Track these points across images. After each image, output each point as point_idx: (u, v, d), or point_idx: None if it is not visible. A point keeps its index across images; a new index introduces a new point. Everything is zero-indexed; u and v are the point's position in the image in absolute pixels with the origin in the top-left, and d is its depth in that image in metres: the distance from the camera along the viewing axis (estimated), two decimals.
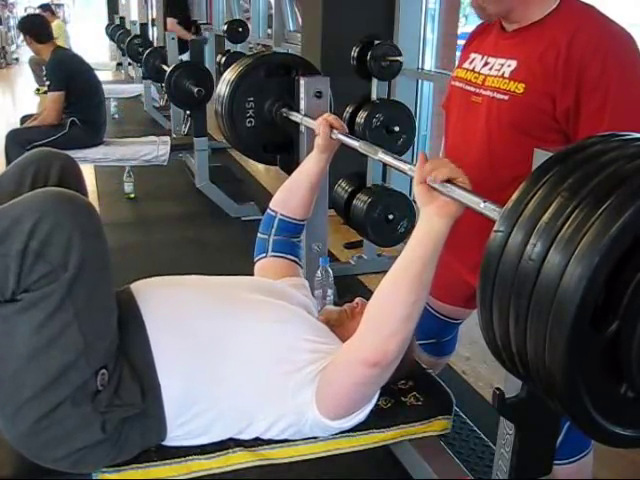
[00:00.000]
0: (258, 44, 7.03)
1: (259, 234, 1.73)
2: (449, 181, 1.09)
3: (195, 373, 1.28)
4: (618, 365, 0.80)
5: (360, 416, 1.34)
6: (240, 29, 5.85)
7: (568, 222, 0.75)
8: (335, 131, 1.65)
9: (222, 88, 2.32)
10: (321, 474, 1.80)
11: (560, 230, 0.75)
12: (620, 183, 0.74)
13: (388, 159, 1.46)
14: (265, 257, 1.69)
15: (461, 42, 1.69)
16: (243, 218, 4.13)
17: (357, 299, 1.54)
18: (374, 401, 1.36)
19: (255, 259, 1.72)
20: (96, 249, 1.17)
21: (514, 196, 0.84)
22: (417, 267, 1.15)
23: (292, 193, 1.71)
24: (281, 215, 1.69)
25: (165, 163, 4.33)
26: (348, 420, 1.33)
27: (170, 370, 1.26)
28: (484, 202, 1.04)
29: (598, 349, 0.79)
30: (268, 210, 1.73)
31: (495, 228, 0.84)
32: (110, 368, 1.21)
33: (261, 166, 5.32)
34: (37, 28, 4.17)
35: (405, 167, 1.35)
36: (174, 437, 1.31)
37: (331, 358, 1.29)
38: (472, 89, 1.46)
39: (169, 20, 5.95)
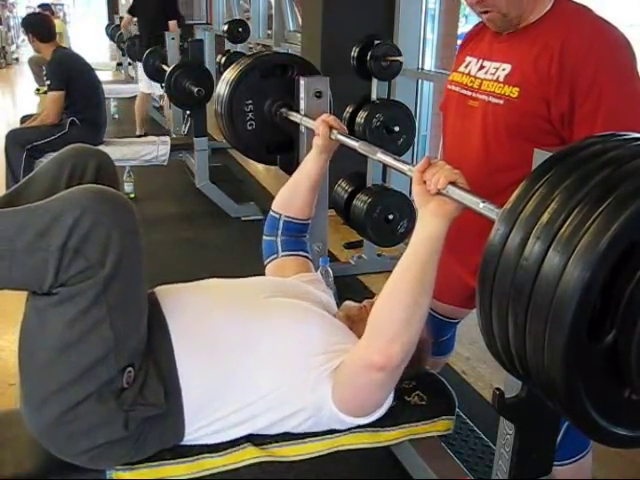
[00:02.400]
0: (258, 44, 7.03)
1: (265, 236, 1.73)
2: (449, 184, 1.11)
3: (216, 380, 1.29)
4: (618, 367, 0.80)
5: (377, 414, 1.36)
6: (240, 29, 5.85)
7: (567, 222, 0.75)
8: (334, 131, 1.65)
9: (222, 88, 2.32)
10: (322, 474, 1.80)
11: (559, 230, 0.76)
12: (619, 183, 0.74)
13: (387, 159, 1.46)
14: (277, 258, 1.69)
15: (460, 43, 1.68)
16: (243, 218, 4.13)
17: (377, 296, 1.54)
18: (390, 400, 1.37)
19: (265, 261, 1.72)
20: (133, 248, 1.18)
21: (513, 196, 0.84)
22: (416, 269, 1.16)
23: (294, 194, 1.71)
24: (285, 217, 1.70)
25: (165, 163, 4.33)
26: (365, 418, 1.35)
27: (191, 376, 1.27)
28: (483, 202, 1.04)
29: (598, 350, 0.79)
30: (271, 212, 1.73)
31: (494, 228, 0.84)
32: (137, 367, 1.22)
33: (261, 166, 5.32)
34: (40, 26, 4.17)
35: (404, 167, 1.35)
36: (192, 438, 1.32)
37: (345, 357, 1.30)
38: (468, 93, 1.46)
39: (172, 23, 5.97)
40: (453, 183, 1.11)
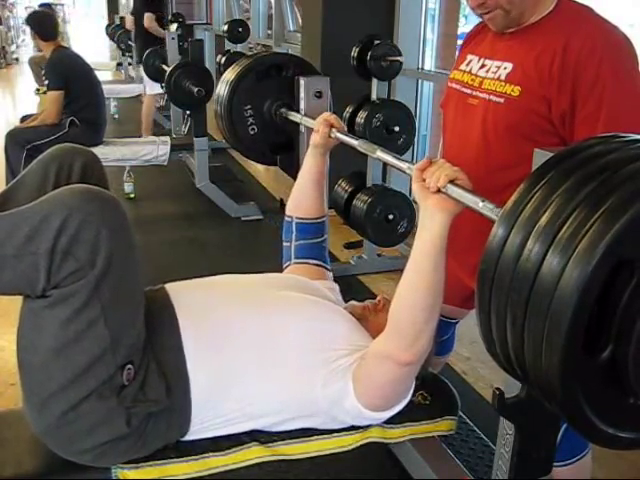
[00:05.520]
0: (258, 44, 7.02)
1: (283, 242, 1.74)
2: (449, 182, 1.11)
3: (225, 373, 1.30)
4: (616, 371, 0.79)
5: (398, 407, 1.37)
6: (240, 29, 5.85)
7: (567, 224, 0.75)
8: (334, 130, 1.65)
9: (222, 89, 2.32)
10: (322, 474, 1.80)
11: (558, 232, 0.75)
12: (617, 187, 0.74)
13: (387, 157, 1.46)
14: (290, 264, 1.70)
15: (461, 42, 1.68)
16: (243, 218, 4.13)
17: (380, 296, 1.56)
18: (410, 394, 1.38)
19: (283, 267, 1.73)
20: (123, 246, 1.18)
21: (513, 197, 0.83)
22: (429, 269, 1.17)
23: (300, 195, 1.71)
24: (297, 219, 1.70)
25: (165, 163, 4.33)
26: (387, 411, 1.36)
27: (201, 369, 1.28)
28: (482, 202, 1.04)
29: (596, 360, 0.79)
30: (285, 217, 1.74)
31: (494, 229, 0.84)
32: (136, 364, 1.23)
33: (261, 166, 5.31)
34: (42, 24, 4.17)
35: (403, 166, 1.35)
36: (196, 430, 1.33)
37: (362, 353, 1.31)
38: (469, 91, 1.46)
39: (147, 15, 5.85)
40: (453, 181, 1.12)
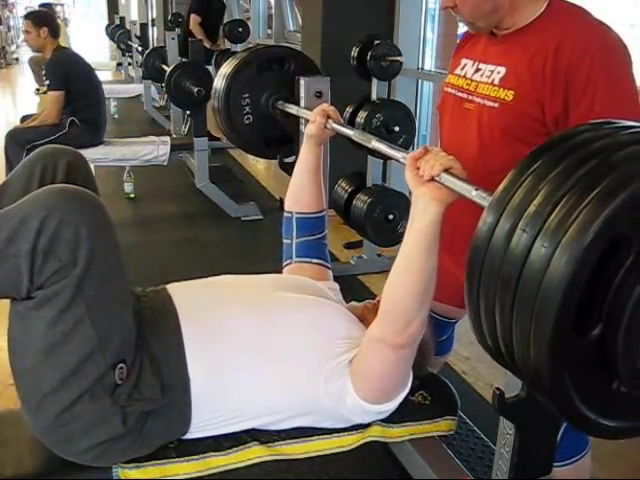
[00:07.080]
0: (258, 44, 7.02)
1: (282, 239, 1.72)
2: (444, 171, 1.11)
3: (225, 372, 1.30)
4: (605, 359, 0.79)
5: (397, 399, 1.37)
6: (240, 29, 5.85)
7: (557, 209, 0.74)
8: (330, 120, 1.65)
9: (219, 82, 2.31)
10: (322, 474, 1.80)
11: (548, 217, 0.74)
12: (605, 174, 0.73)
13: (381, 147, 1.46)
14: (291, 263, 1.69)
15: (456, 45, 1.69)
16: (243, 218, 4.13)
17: (379, 296, 1.55)
18: (409, 385, 1.38)
19: (283, 264, 1.72)
20: (105, 244, 1.18)
21: (503, 183, 0.82)
22: (421, 258, 1.17)
23: (298, 188, 1.70)
24: (297, 214, 1.68)
25: (165, 163, 4.33)
26: (389, 403, 1.36)
27: (201, 368, 1.28)
28: (476, 190, 1.02)
29: (584, 343, 0.78)
30: (284, 213, 1.73)
31: (483, 216, 0.83)
32: (129, 362, 1.22)
33: (261, 166, 5.33)
34: (54, 21, 4.19)
35: (398, 155, 1.34)
36: (197, 429, 1.33)
37: (359, 348, 1.32)
38: (464, 96, 1.46)
39: (192, 17, 5.68)
40: (449, 169, 1.10)
